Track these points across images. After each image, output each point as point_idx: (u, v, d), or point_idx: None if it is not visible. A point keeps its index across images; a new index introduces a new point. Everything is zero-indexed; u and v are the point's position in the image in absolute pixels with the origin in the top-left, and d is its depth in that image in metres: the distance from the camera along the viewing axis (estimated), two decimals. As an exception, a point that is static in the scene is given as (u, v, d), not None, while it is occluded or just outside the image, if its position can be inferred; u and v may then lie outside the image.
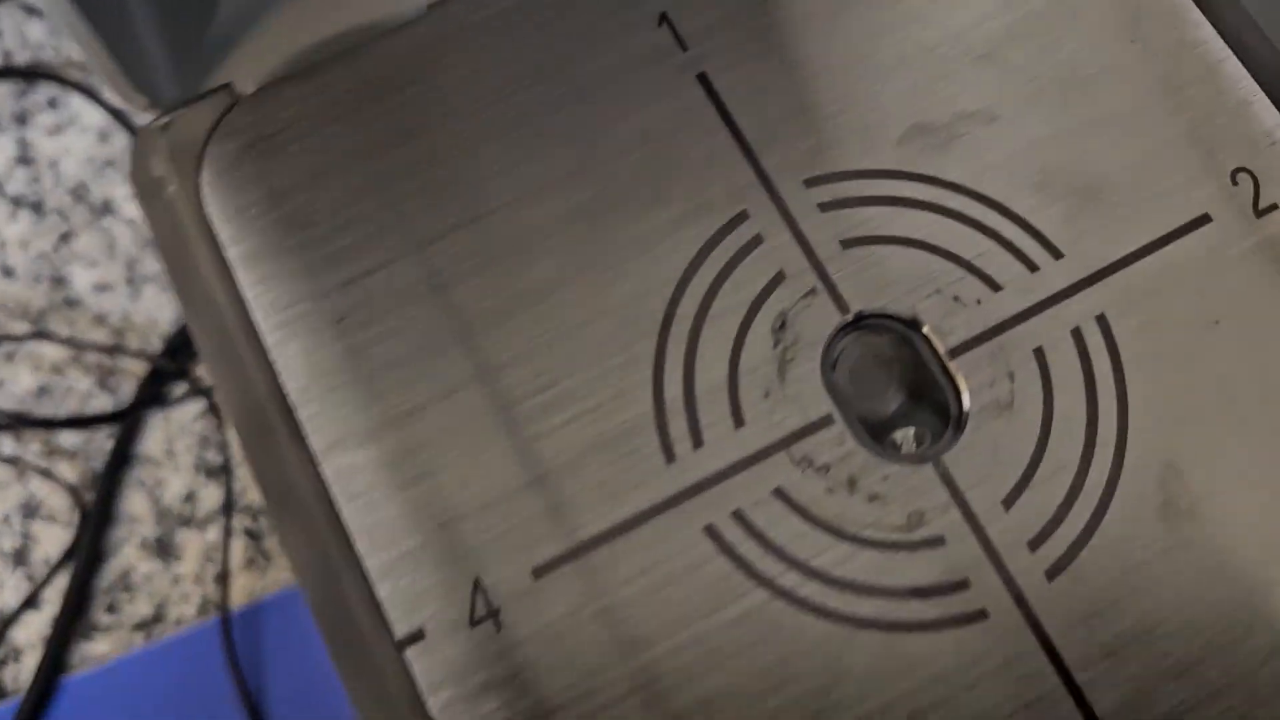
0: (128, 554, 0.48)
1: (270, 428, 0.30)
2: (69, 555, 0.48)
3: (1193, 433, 0.30)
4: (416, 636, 0.28)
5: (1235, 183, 0.33)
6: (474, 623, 0.28)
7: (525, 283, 0.31)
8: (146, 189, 0.32)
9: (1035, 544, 0.30)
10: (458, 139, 0.32)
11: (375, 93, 0.33)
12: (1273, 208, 0.32)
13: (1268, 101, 0.33)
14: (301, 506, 0.30)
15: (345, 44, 0.33)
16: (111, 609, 0.47)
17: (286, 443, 0.30)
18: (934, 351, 0.30)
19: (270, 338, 0.31)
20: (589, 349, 0.31)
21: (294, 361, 0.30)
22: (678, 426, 0.30)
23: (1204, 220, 0.32)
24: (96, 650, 0.46)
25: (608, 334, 0.31)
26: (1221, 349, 0.30)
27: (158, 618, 0.47)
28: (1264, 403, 0.29)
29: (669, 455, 0.30)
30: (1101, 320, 0.31)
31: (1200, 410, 0.30)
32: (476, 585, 0.29)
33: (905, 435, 0.31)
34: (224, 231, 0.32)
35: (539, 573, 0.29)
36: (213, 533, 0.43)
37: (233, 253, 0.32)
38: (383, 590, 0.29)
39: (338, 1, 0.33)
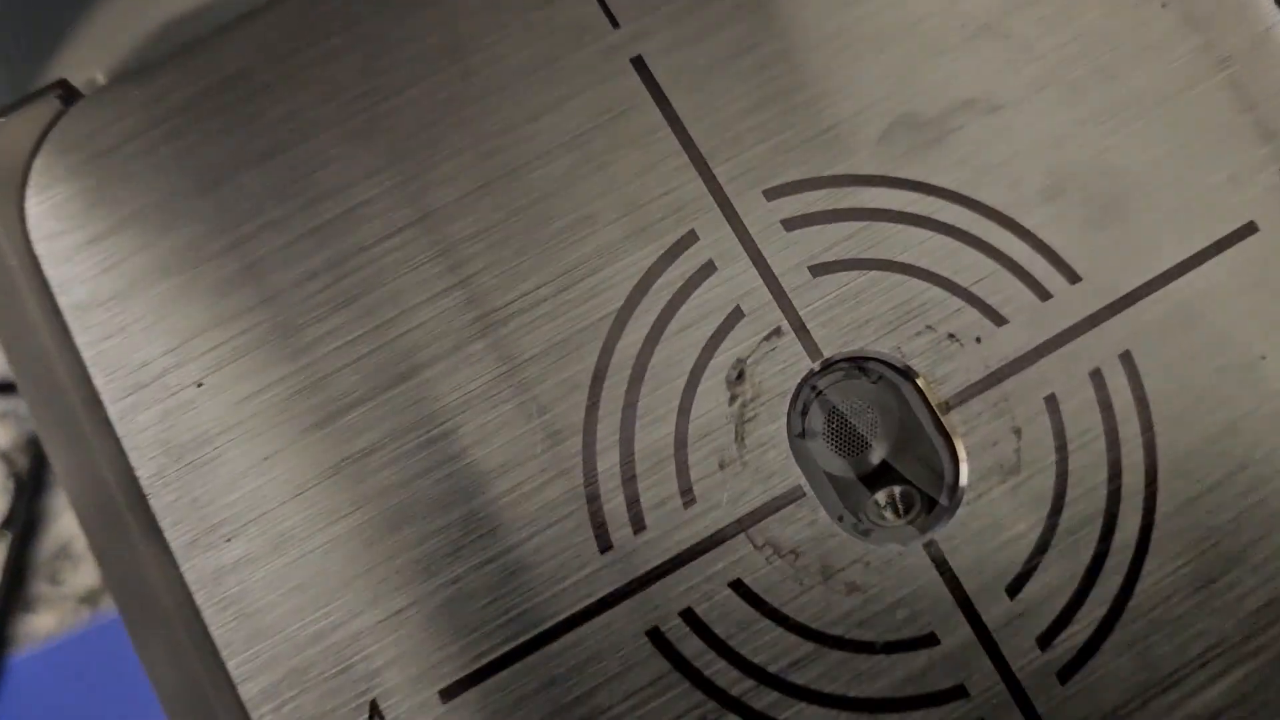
0: (68, 521, 0.44)
1: (120, 520, 0.24)
2: (4, 524, 0.45)
3: (1239, 497, 0.25)
4: (298, 777, 0.23)
5: (1286, 183, 0.27)
6: (369, 759, 0.23)
7: (414, 336, 0.25)
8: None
9: (1046, 640, 0.24)
10: (329, 147, 0.26)
11: (237, 92, 0.26)
12: (1333, 212, 0.26)
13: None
14: (162, 617, 0.24)
15: (200, 28, 0.26)
16: (54, 580, 0.45)
17: (140, 538, 0.24)
18: (926, 404, 0.24)
19: (114, 408, 0.25)
20: (500, 414, 0.25)
21: (144, 437, 0.24)
22: (614, 507, 0.24)
23: (1250, 230, 0.26)
24: (41, 624, 0.44)
25: (524, 394, 0.25)
26: (1271, 388, 0.25)
27: (97, 595, 0.45)
28: None
29: (604, 543, 0.24)
30: (1127, 359, 0.27)
31: (1247, 468, 0.25)
32: (373, 711, 0.23)
33: (889, 499, 0.25)
34: (54, 272, 0.25)
35: (448, 695, 0.24)
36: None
37: (65, 300, 0.25)
38: (257, 716, 0.23)
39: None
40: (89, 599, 0.45)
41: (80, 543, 0.45)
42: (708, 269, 0.27)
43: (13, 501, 0.46)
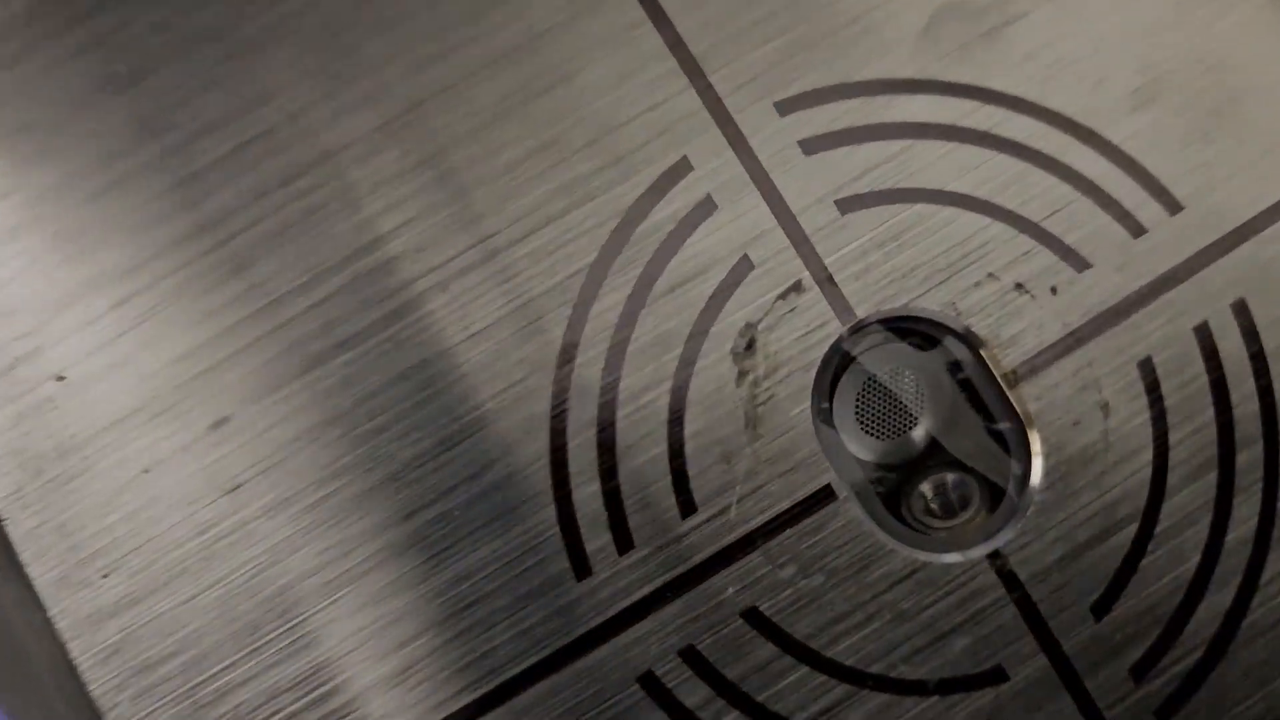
0: None
1: None
2: None
3: None
4: None
5: None
6: None
7: (326, 313, 0.19)
8: None
9: (1141, 671, 0.20)
10: (211, 67, 0.20)
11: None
12: None
13: None
14: (28, 673, 0.19)
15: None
16: None
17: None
18: (988, 374, 0.21)
19: None
20: (437, 407, 0.19)
21: None
22: (592, 519, 0.18)
23: None
24: None
25: (478, 378, 0.19)
26: None
27: None
28: None
29: (581, 569, 0.19)
30: (1241, 310, 0.22)
31: None
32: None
33: (940, 494, 0.20)
34: None
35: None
36: None
37: None
38: None
39: None
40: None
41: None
42: (706, 207, 0.21)
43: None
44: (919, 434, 0.22)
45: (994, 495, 0.22)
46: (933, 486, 0.22)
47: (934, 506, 0.22)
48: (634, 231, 0.22)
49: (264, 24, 0.22)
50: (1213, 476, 0.21)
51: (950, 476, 0.22)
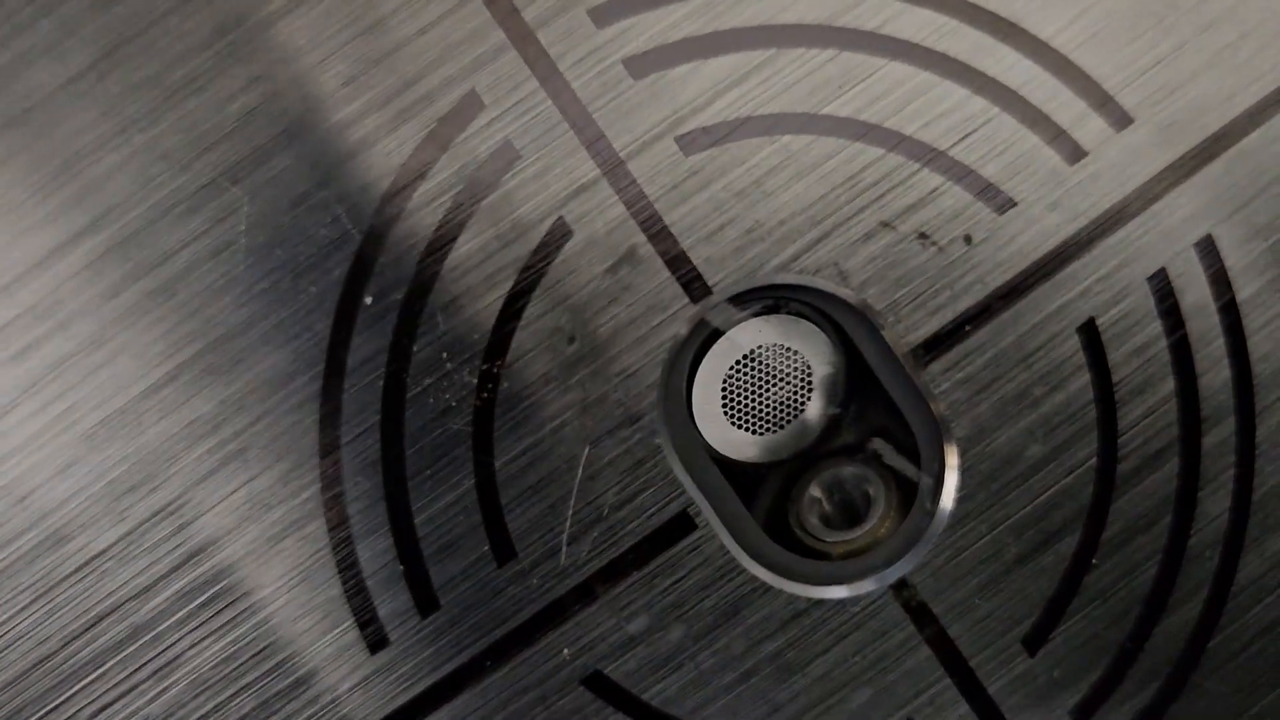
0: None
1: None
2: None
3: None
4: None
5: None
6: None
7: None
8: None
9: (1085, 713, 0.16)
10: None
11: None
12: None
13: None
14: None
15: None
16: None
17: None
18: (887, 351, 0.18)
19: None
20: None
21: None
22: (386, 583, 0.17)
23: None
24: None
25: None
26: None
27: None
28: None
29: (375, 639, 0.15)
30: (1207, 248, 0.18)
31: None
32: None
33: (836, 490, 0.18)
34: None
35: None
36: None
37: None
38: None
39: None
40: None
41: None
42: (504, 156, 0.16)
43: None
44: (804, 424, 0.18)
45: (901, 503, 0.18)
46: (825, 488, 0.18)
47: (828, 512, 0.18)
48: (410, 198, 0.17)
49: None
50: (1174, 465, 0.17)
51: (848, 473, 0.18)
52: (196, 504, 0.17)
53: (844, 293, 0.18)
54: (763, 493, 0.19)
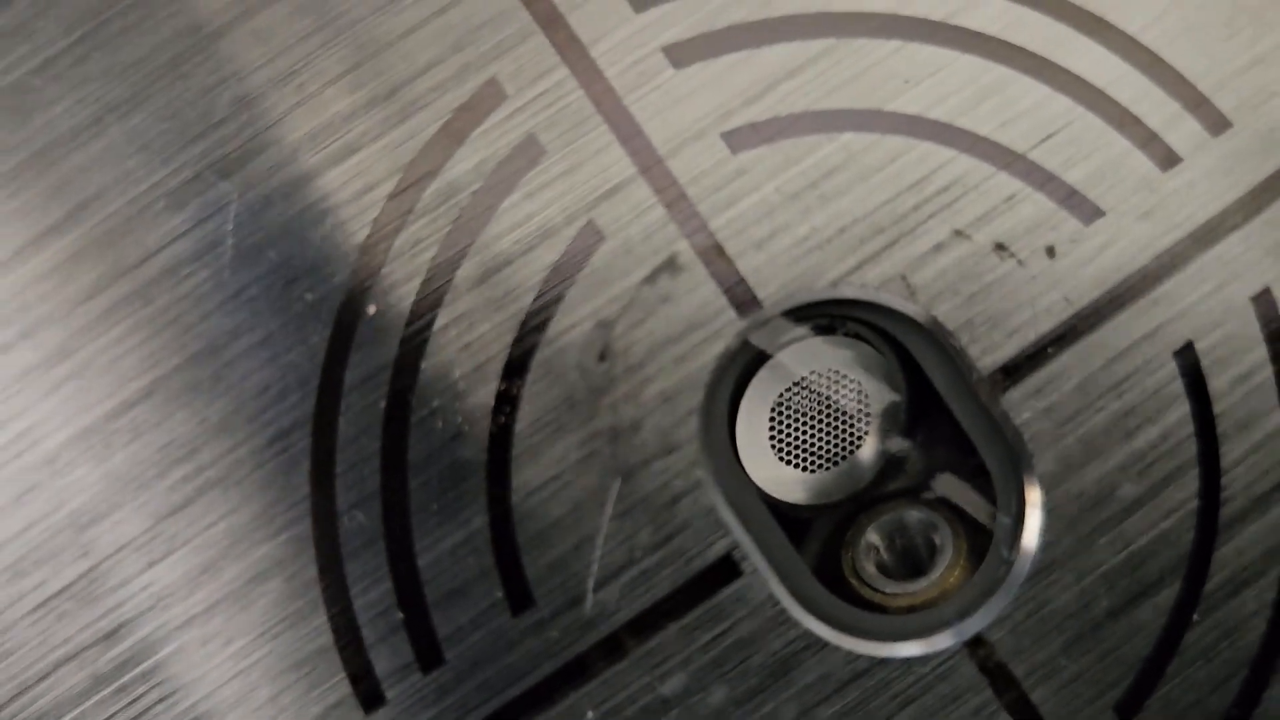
0: None
1: None
2: None
3: None
4: None
5: None
6: None
7: None
8: None
9: None
10: None
11: None
12: None
13: None
14: None
15: None
16: None
17: None
18: (961, 377, 0.17)
19: None
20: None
21: None
22: (385, 635, 0.17)
23: None
24: None
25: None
26: None
27: None
28: None
29: (371, 697, 0.17)
30: None
31: None
32: None
33: (898, 536, 0.18)
34: None
35: None
36: None
37: None
38: None
39: None
40: None
41: None
42: (528, 152, 0.16)
43: None
44: (862, 462, 0.17)
45: (973, 550, 0.17)
46: (885, 533, 0.18)
47: (887, 561, 0.17)
48: (420, 197, 0.16)
49: None
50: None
51: (911, 516, 0.17)
52: (169, 538, 0.17)
53: (911, 309, 0.17)
54: (813, 536, 0.18)
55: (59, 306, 0.17)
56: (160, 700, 0.16)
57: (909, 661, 0.17)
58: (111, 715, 0.16)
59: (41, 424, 0.17)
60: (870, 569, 0.18)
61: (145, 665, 0.16)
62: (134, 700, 0.16)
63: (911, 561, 0.18)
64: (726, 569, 0.17)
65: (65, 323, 0.17)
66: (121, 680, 0.16)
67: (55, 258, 0.17)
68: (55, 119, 0.17)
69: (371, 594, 0.16)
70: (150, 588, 0.16)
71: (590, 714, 0.17)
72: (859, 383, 0.18)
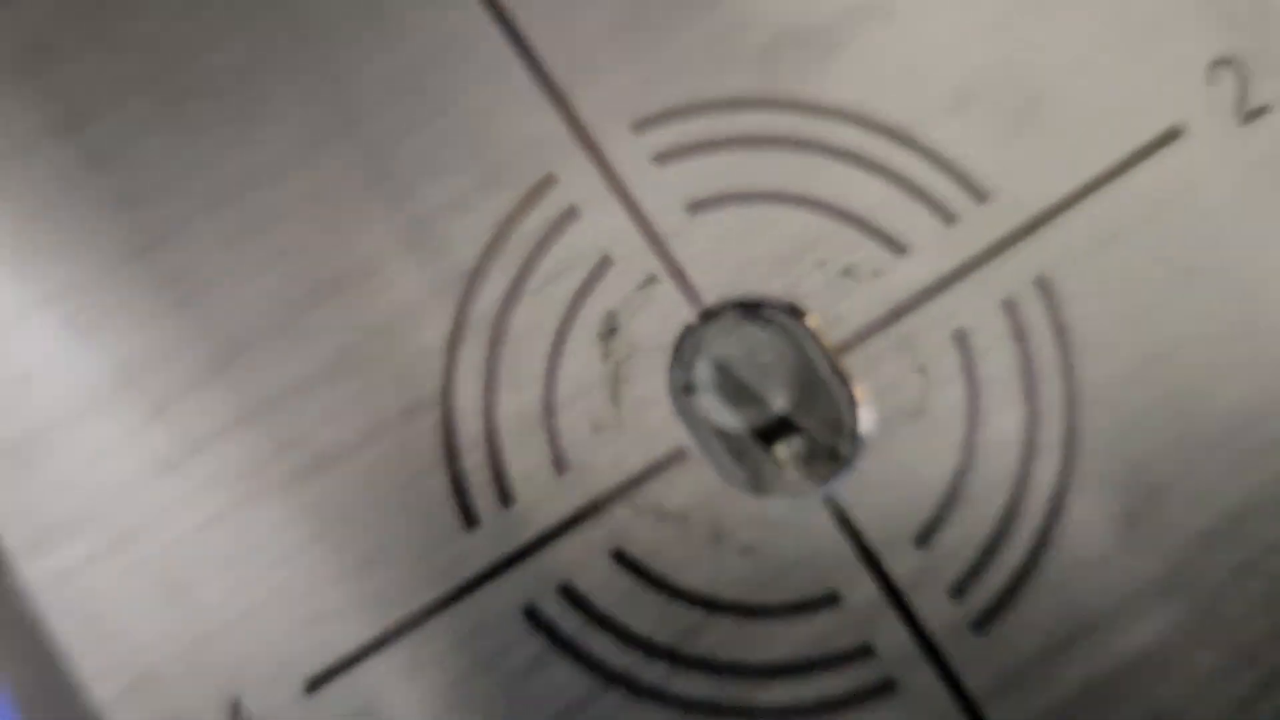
0: None
1: None
2: None
3: (1166, 426, 0.27)
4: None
5: (1215, 79, 0.27)
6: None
7: (244, 314, 0.26)
8: None
9: (958, 590, 0.27)
10: (174, 97, 0.27)
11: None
12: (1263, 110, 0.27)
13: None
14: (5, 623, 0.26)
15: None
16: None
17: None
18: (821, 347, 0.26)
19: None
20: (353, 384, 0.26)
21: None
22: (479, 479, 0.26)
23: (1175, 134, 0.27)
24: None
25: (376, 361, 0.26)
26: (1200, 307, 0.27)
27: None
28: (1257, 377, 0.27)
29: (469, 519, 0.26)
30: (1043, 285, 0.28)
31: (1175, 396, 0.27)
32: (235, 710, 0.25)
33: (786, 453, 0.27)
34: None
35: (313, 685, 0.25)
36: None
37: None
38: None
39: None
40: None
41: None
42: (571, 215, 0.28)
43: None
44: (766, 403, 0.29)
45: (830, 450, 0.29)
46: (781, 449, 0.29)
47: (780, 466, 0.29)
48: (509, 237, 0.28)
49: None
50: (1019, 426, 0.28)
51: (794, 435, 0.29)
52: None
53: (791, 304, 0.29)
54: (735, 442, 0.29)
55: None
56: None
57: (788, 509, 0.29)
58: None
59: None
60: (767, 466, 0.29)
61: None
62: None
63: (795, 461, 0.29)
64: (681, 455, 0.29)
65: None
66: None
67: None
68: (114, 267, 0.30)
69: (473, 460, 0.29)
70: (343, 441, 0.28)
71: (600, 534, 0.28)
72: (764, 353, 0.30)
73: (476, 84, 0.28)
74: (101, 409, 0.27)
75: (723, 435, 0.28)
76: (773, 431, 0.28)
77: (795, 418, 0.28)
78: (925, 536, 0.27)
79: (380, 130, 0.28)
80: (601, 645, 0.26)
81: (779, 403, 0.28)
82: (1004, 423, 0.27)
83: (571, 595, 0.27)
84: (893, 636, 0.27)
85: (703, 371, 0.28)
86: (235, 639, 0.26)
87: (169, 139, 0.28)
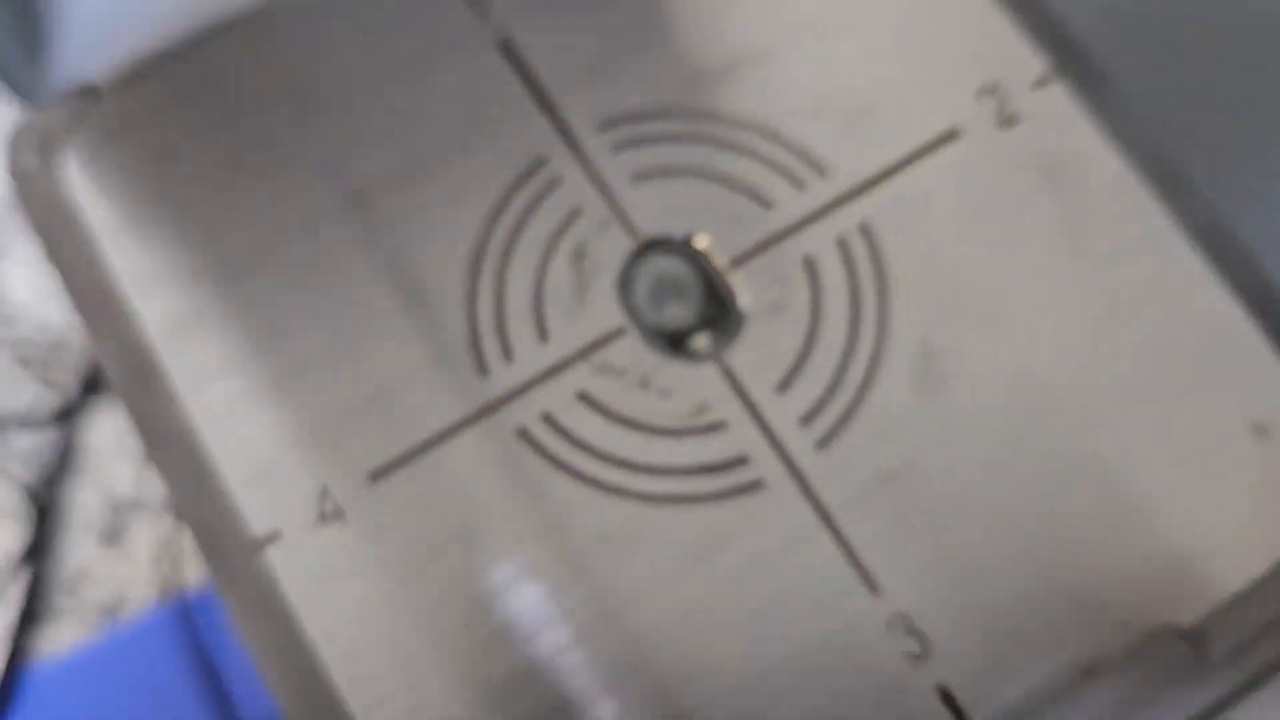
0: (82, 545, 0.50)
1: (142, 373, 0.41)
2: (24, 551, 0.50)
3: (945, 321, 0.40)
4: (274, 536, 0.39)
5: (983, 99, 0.43)
6: (322, 522, 0.39)
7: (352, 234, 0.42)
8: (21, 180, 0.43)
9: (806, 420, 0.40)
10: (285, 120, 0.43)
11: (214, 83, 0.44)
12: (1015, 119, 0.43)
13: (1006, 20, 0.43)
14: (171, 438, 0.40)
15: (191, 40, 0.44)
16: (70, 599, 0.50)
17: (156, 385, 0.41)
18: (714, 266, 0.41)
19: (136, 299, 0.41)
20: (406, 287, 0.41)
21: (156, 316, 0.41)
22: (490, 343, 0.40)
23: (954, 135, 0.43)
24: (57, 642, 0.49)
25: (425, 271, 0.41)
26: (971, 251, 0.41)
27: (116, 606, 0.50)
28: (1007, 296, 0.38)
29: (482, 368, 0.40)
30: (865, 229, 0.41)
31: (952, 302, 0.39)
32: (324, 491, 0.39)
33: (698, 342, 0.42)
34: (91, 209, 0.43)
35: (375, 476, 0.40)
36: (168, 519, 0.50)
37: (98, 229, 0.42)
38: (242, 498, 0.39)
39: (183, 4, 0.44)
40: (101, 615, 0.50)
41: (94, 564, 0.51)
42: (555, 182, 0.43)
43: (30, 527, 0.52)
44: (679, 302, 0.44)
45: (722, 331, 0.44)
46: (688, 330, 0.44)
47: (696, 348, 0.44)
48: (514, 196, 0.43)
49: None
50: (847, 314, 0.43)
51: (698, 325, 0.44)
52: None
53: (690, 234, 0.45)
54: (660, 331, 0.45)
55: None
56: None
57: (692, 371, 0.44)
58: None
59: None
60: (675, 341, 0.44)
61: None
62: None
63: (695, 338, 0.45)
64: (623, 332, 0.44)
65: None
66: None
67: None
68: (221, 301, 0.46)
69: (484, 321, 0.44)
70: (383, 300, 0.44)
71: (570, 379, 0.43)
72: (679, 273, 0.45)
73: (493, 105, 0.44)
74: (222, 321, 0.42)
75: (650, 323, 0.43)
76: (687, 328, 0.43)
77: (698, 311, 0.43)
78: (785, 385, 0.40)
79: (427, 134, 0.44)
80: (575, 457, 0.41)
81: (687, 301, 0.43)
82: (838, 314, 0.42)
83: (552, 422, 0.41)
84: (762, 451, 0.40)
85: (639, 281, 0.43)
86: (322, 441, 0.41)
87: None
